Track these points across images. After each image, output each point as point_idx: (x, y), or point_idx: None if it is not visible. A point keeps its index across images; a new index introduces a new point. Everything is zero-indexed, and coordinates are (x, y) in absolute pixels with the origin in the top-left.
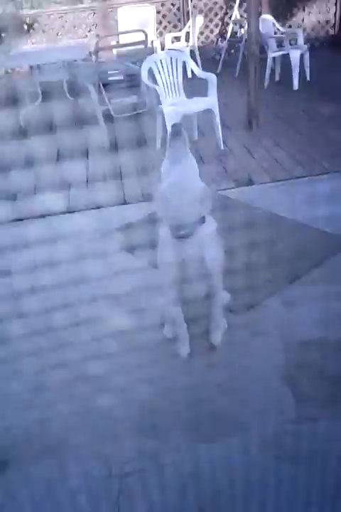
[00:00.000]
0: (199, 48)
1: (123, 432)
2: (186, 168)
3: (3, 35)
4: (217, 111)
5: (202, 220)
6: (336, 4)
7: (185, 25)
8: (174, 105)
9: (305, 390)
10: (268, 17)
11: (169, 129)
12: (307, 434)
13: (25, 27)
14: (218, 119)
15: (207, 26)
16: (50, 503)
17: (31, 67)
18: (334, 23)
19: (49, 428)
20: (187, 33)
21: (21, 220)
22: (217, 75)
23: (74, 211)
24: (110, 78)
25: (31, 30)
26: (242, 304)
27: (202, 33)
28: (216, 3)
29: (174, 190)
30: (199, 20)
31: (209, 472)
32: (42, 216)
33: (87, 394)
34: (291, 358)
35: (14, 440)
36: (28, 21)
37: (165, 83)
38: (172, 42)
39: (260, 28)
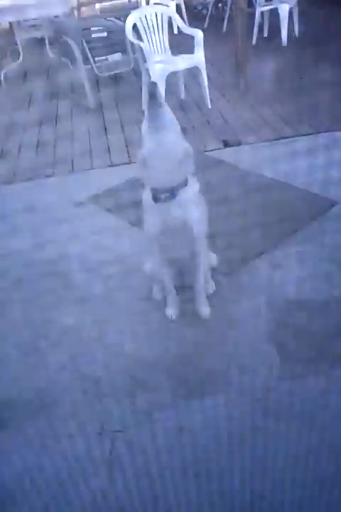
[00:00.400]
0: (185, 1)
1: (114, 391)
2: (165, 130)
3: None
4: (203, 68)
5: (185, 182)
6: None
7: None
8: (160, 63)
9: (290, 349)
10: None
11: None
12: (292, 390)
13: None
14: (205, 77)
15: None
16: (42, 462)
17: (11, 23)
18: None
19: (41, 387)
20: None
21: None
22: (203, 30)
23: (57, 175)
24: (93, 35)
25: None
26: (230, 265)
27: None
28: None
29: (154, 154)
30: None
31: (198, 427)
32: (26, 180)
33: (78, 354)
34: (277, 317)
35: (7, 398)
36: None
37: (150, 40)
38: None
39: None
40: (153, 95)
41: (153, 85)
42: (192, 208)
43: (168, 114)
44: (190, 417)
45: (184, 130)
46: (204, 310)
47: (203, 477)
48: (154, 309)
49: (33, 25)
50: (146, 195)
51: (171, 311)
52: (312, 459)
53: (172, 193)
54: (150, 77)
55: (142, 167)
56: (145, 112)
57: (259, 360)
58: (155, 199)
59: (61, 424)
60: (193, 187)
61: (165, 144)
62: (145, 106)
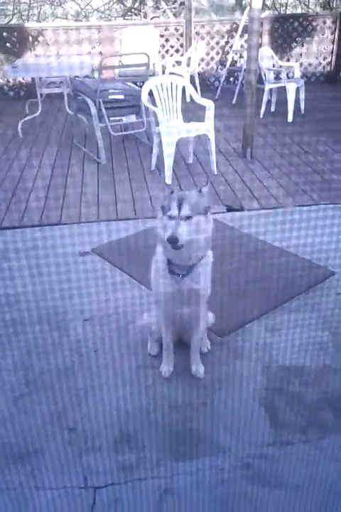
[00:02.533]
0: (199, 73)
1: (101, 445)
2: (185, 225)
3: (8, 45)
4: (212, 136)
5: (201, 258)
6: (333, 43)
7: (186, 50)
8: (171, 128)
9: (282, 415)
10: (267, 49)
11: (166, 150)
12: (281, 457)
13: (30, 38)
14: (213, 145)
15: (208, 53)
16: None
17: (33, 78)
18: (331, 61)
19: (25, 434)
20: (189, 59)
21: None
22: (214, 101)
23: (66, 223)
24: (111, 96)
25: (36, 43)
26: (226, 327)
27: (202, 60)
28: (218, 32)
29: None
30: (201, 46)
31: (184, 490)
32: (37, 226)
33: (67, 404)
34: (270, 382)
35: None
36: (33, 34)
37: (164, 106)
38: (174, 66)
39: (259, 59)
40: (173, 198)
41: (168, 188)
42: (203, 277)
43: (189, 236)
44: (175, 479)
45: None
46: (198, 369)
47: None
48: (148, 365)
49: (54, 82)
50: (160, 258)
51: (165, 368)
52: None
53: (188, 271)
54: (161, 140)
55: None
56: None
57: (250, 425)
58: (171, 272)
59: (43, 474)
60: (208, 260)
61: (186, 248)
62: (155, 166)
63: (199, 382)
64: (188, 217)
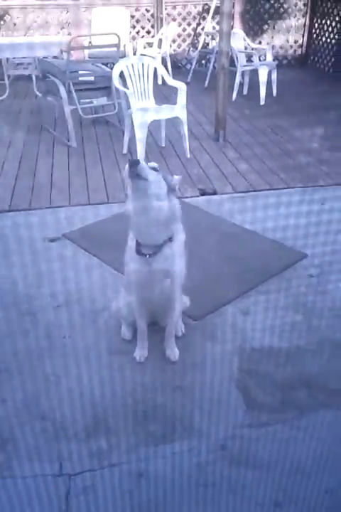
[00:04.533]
0: (170, 55)
1: (75, 432)
2: (147, 199)
3: None
4: (185, 119)
5: (170, 238)
6: (304, 26)
7: (158, 32)
8: (143, 110)
9: (257, 396)
10: (239, 32)
11: (137, 134)
12: (256, 438)
13: None
14: (186, 128)
15: (179, 35)
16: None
17: (0, 59)
18: (302, 44)
19: (2, 421)
20: (160, 40)
21: None
22: (186, 84)
23: (35, 209)
24: (80, 78)
25: (2, 22)
26: (200, 310)
27: (174, 41)
28: (189, 13)
29: (137, 220)
30: (172, 28)
31: (160, 474)
32: (6, 211)
33: (39, 391)
34: (244, 364)
35: None
36: None
37: (135, 88)
38: (145, 47)
39: (231, 41)
40: (133, 171)
41: (134, 162)
42: (175, 260)
43: (152, 180)
44: (150, 463)
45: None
46: (173, 353)
47: None
48: (121, 350)
49: (21, 64)
50: (131, 242)
51: (140, 353)
52: (276, 509)
53: (155, 251)
54: (132, 123)
55: (130, 220)
56: (128, 182)
57: (225, 407)
58: (139, 253)
59: (17, 463)
60: (179, 239)
61: (148, 212)
62: (127, 149)
63: (174, 365)
64: (154, 169)
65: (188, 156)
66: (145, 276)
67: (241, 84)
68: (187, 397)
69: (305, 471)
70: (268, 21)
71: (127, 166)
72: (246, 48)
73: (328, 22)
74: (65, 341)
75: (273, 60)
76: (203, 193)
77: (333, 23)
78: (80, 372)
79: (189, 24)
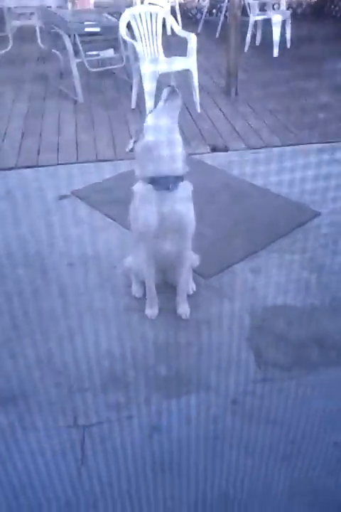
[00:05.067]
0: (180, 4)
1: (89, 386)
2: (175, 122)
3: None
4: (195, 72)
5: (182, 176)
6: None
7: None
8: (152, 63)
9: (267, 354)
10: None
11: (146, 87)
12: (267, 394)
13: None
14: (196, 81)
15: None
16: (15, 453)
17: (1, 9)
18: None
19: (12, 378)
20: None
21: None
22: (197, 35)
23: (43, 166)
24: (86, 29)
25: None
26: (211, 268)
27: None
28: None
29: (165, 141)
30: None
31: (172, 427)
32: (13, 168)
33: (53, 347)
34: (255, 322)
35: None
36: None
37: (143, 39)
38: None
39: None
40: (175, 94)
41: (173, 87)
42: (188, 203)
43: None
44: (163, 416)
45: None
46: (184, 310)
47: (175, 476)
48: (133, 306)
49: (24, 14)
50: (142, 188)
51: (150, 312)
52: (285, 463)
53: (174, 182)
54: (141, 76)
55: (143, 156)
56: (159, 105)
57: (236, 363)
58: (159, 186)
59: (32, 416)
60: (187, 187)
61: (174, 133)
62: (135, 104)
63: (186, 323)
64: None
65: (199, 110)
66: (161, 216)
67: (254, 36)
68: (199, 354)
69: (314, 426)
70: None
71: (165, 89)
72: None
73: None
74: (77, 299)
75: (287, 8)
76: (214, 149)
77: None
78: (92, 329)
79: None
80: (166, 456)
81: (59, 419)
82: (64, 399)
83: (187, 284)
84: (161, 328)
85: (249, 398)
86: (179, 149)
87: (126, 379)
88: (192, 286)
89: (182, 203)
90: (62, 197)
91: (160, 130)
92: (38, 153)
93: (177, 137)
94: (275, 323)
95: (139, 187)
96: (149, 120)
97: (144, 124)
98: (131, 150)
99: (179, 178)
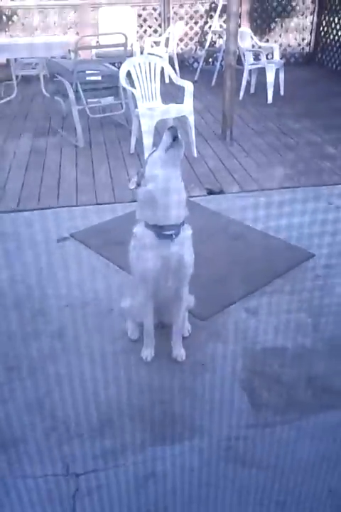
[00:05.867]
0: (177, 54)
1: (82, 432)
2: (178, 169)
3: None
4: (192, 118)
5: (184, 221)
6: (312, 23)
7: (165, 30)
8: (150, 110)
9: (261, 397)
10: (246, 30)
11: (144, 133)
12: (261, 438)
13: (4, 18)
14: (192, 127)
15: (186, 34)
16: (5, 501)
17: (8, 60)
18: (310, 42)
19: (3, 423)
20: (167, 39)
21: None
22: (193, 82)
23: (43, 208)
24: (88, 78)
25: (10, 23)
26: (206, 310)
27: (181, 40)
28: (196, 11)
29: (169, 191)
30: (180, 27)
31: (166, 474)
32: (14, 211)
33: (46, 392)
34: (250, 364)
35: None
36: (7, 13)
37: (142, 87)
38: (152, 46)
39: (238, 40)
40: (177, 140)
41: (175, 130)
42: (189, 246)
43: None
44: (157, 463)
45: None
46: (180, 353)
47: None
48: (129, 349)
49: (29, 63)
50: (143, 232)
51: (147, 353)
52: (279, 510)
53: (177, 230)
54: (140, 122)
55: (146, 203)
56: (162, 152)
57: (230, 407)
58: (160, 236)
59: (24, 463)
60: (189, 231)
61: (179, 184)
62: (134, 148)
63: (181, 365)
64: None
65: (195, 155)
66: (163, 261)
67: (249, 83)
68: (194, 397)
69: (308, 472)
70: (276, 19)
71: (166, 134)
72: (253, 47)
73: (336, 19)
74: (72, 341)
75: (281, 58)
76: (210, 192)
77: None
78: (87, 372)
79: (196, 23)
80: (160, 503)
81: (52, 467)
82: (56, 446)
83: (182, 325)
84: (157, 371)
85: (243, 443)
86: (183, 197)
87: (118, 424)
88: (187, 328)
89: (183, 246)
90: (61, 239)
91: (165, 180)
92: (39, 196)
93: (181, 186)
94: (270, 365)
95: (140, 231)
96: (153, 168)
97: (147, 171)
98: (135, 188)
99: (181, 224)
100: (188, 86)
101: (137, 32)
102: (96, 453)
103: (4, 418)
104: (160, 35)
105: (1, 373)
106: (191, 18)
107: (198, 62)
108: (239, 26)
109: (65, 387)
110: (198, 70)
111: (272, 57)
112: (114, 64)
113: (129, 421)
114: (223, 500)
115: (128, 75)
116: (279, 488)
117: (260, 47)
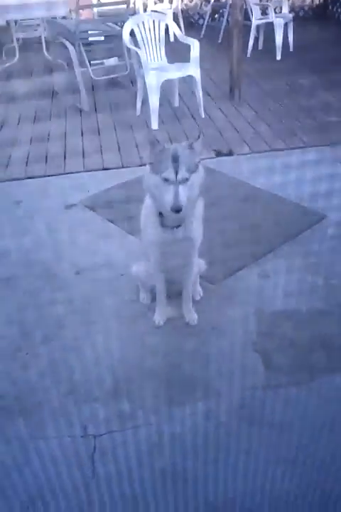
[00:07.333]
0: (182, 11)
1: (98, 394)
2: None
3: None
4: (198, 78)
5: (193, 207)
6: None
7: None
8: (155, 70)
9: (274, 359)
10: None
11: (150, 94)
12: (275, 399)
13: None
14: (199, 87)
15: None
16: (26, 463)
17: (8, 22)
18: None
19: (22, 388)
20: None
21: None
22: (199, 40)
23: (51, 175)
24: (90, 38)
25: None
26: (218, 274)
27: None
28: None
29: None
30: None
31: (180, 433)
32: (17, 178)
33: (63, 356)
34: (263, 327)
35: None
36: None
37: (146, 46)
38: (155, 3)
39: None
40: (177, 208)
41: (159, 144)
42: (195, 226)
43: (186, 162)
44: (172, 423)
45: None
46: (191, 316)
47: (183, 482)
48: (141, 314)
49: (30, 25)
50: (150, 210)
51: (158, 317)
52: (292, 467)
53: (180, 222)
54: (145, 84)
55: (151, 194)
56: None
57: (243, 369)
58: (164, 225)
59: (42, 426)
60: (199, 206)
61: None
62: (140, 111)
63: (193, 329)
64: (185, 180)
65: (203, 115)
66: (168, 245)
67: (256, 39)
68: (207, 360)
69: (320, 431)
70: None
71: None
72: (260, 0)
73: None
74: (86, 307)
75: (290, 12)
76: (218, 154)
77: None
78: (101, 337)
79: None
80: (176, 463)
81: (70, 429)
82: (74, 409)
83: (193, 290)
84: (169, 335)
85: (256, 403)
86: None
87: (133, 387)
88: (199, 292)
89: (189, 228)
90: (70, 206)
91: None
92: (46, 163)
93: (198, 207)
94: (283, 328)
95: (149, 205)
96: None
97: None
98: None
99: (187, 215)
100: (194, 44)
101: None
102: (113, 415)
103: (24, 383)
104: None
105: (15, 339)
106: None
107: (204, 19)
108: None
109: (80, 352)
110: (204, 26)
111: (280, 11)
112: (116, 23)
113: (143, 384)
114: (235, 459)
115: (132, 34)
116: (291, 446)
117: (267, 0)
